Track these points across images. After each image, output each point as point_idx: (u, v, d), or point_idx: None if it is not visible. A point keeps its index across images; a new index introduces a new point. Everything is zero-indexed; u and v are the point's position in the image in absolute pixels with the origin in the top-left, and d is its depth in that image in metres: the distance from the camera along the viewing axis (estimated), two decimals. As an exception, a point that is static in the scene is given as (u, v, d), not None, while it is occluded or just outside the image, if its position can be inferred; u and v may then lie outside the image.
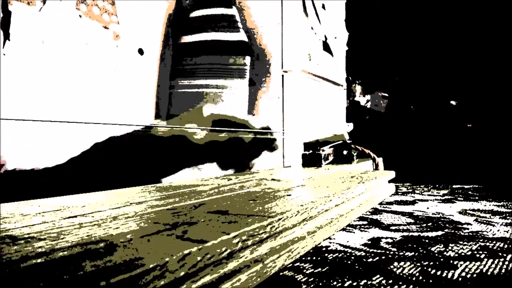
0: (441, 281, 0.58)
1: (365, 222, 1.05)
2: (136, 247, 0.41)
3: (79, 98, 1.61)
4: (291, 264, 0.62)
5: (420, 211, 1.25)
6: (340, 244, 0.79)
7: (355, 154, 1.82)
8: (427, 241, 0.84)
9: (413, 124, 3.84)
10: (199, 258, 0.41)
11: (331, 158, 1.73)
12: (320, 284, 0.55)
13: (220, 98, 2.19)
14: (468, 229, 0.98)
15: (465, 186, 1.89)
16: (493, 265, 0.66)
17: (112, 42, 1.77)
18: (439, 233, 0.93)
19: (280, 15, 2.65)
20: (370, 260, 0.68)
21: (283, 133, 2.53)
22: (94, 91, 1.68)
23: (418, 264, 0.66)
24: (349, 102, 4.06)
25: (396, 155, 3.17)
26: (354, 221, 1.03)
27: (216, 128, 1.10)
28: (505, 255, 0.73)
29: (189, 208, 0.64)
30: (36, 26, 1.47)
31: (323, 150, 1.64)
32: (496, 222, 1.05)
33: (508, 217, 1.13)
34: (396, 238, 0.87)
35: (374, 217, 1.14)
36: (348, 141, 1.84)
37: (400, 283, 0.57)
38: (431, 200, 1.47)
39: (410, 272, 0.62)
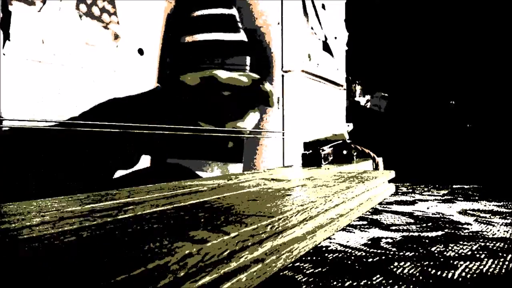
0: (441, 281, 0.58)
1: (365, 222, 1.05)
2: (136, 247, 0.41)
3: (78, 99, 1.61)
4: (291, 264, 0.62)
5: (420, 211, 1.25)
6: (340, 244, 0.79)
7: (355, 154, 1.82)
8: (427, 241, 0.84)
9: (413, 124, 3.83)
10: (199, 258, 0.41)
11: (331, 158, 1.73)
12: (320, 284, 0.55)
13: (220, 98, 2.19)
14: (468, 229, 0.98)
15: (465, 186, 1.89)
16: (493, 265, 0.66)
17: (112, 42, 1.77)
18: (439, 233, 0.93)
19: (280, 15, 2.65)
20: (370, 260, 0.68)
21: (283, 133, 2.53)
22: (94, 91, 1.68)
23: (418, 264, 0.66)
24: (349, 102, 4.06)
25: (396, 155, 3.18)
26: (354, 221, 1.03)
27: (216, 129, 1.10)
28: (505, 255, 0.73)
29: (189, 208, 0.64)
30: (36, 26, 1.47)
31: (323, 150, 1.64)
32: (496, 222, 1.05)
33: (508, 217, 1.13)
34: (396, 238, 0.87)
35: (374, 217, 1.14)
36: (348, 141, 1.84)
37: (400, 283, 0.57)
38: (431, 200, 1.47)
39: (410, 272, 0.62)
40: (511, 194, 1.56)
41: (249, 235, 0.49)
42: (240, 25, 2.40)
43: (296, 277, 0.57)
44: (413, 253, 0.72)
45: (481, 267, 0.65)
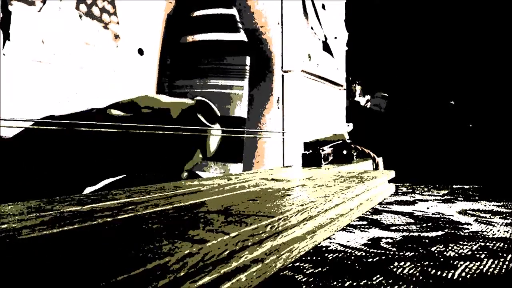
0: (441, 281, 0.58)
1: (365, 222, 1.05)
2: (136, 247, 0.41)
3: (78, 99, 1.61)
4: (291, 264, 0.62)
5: (420, 211, 1.25)
6: (340, 244, 0.79)
7: (355, 154, 1.82)
8: (427, 241, 0.84)
9: (413, 124, 3.83)
10: (199, 258, 0.41)
11: (331, 158, 1.73)
12: (320, 284, 0.55)
13: (220, 98, 2.19)
14: (468, 229, 0.98)
15: (465, 186, 1.89)
16: (493, 265, 0.66)
17: (112, 42, 1.77)
18: (439, 233, 0.93)
19: (280, 15, 2.65)
20: (370, 260, 0.68)
21: (283, 133, 2.53)
22: (94, 91, 1.68)
23: (418, 264, 0.66)
24: (349, 102, 4.06)
25: (396, 155, 3.17)
26: (354, 221, 1.03)
27: (216, 129, 1.10)
28: (505, 255, 0.73)
29: (189, 208, 0.64)
30: (36, 26, 1.47)
31: (323, 150, 1.65)
32: (496, 222, 1.05)
33: (508, 217, 1.13)
34: (396, 238, 0.87)
35: (374, 217, 1.14)
36: (348, 141, 1.84)
37: (400, 283, 0.57)
38: (431, 200, 1.47)
39: (410, 272, 0.62)
40: (511, 194, 1.56)
41: (249, 235, 0.49)
42: (240, 25, 2.40)
43: (296, 277, 0.57)
44: (413, 253, 0.72)
45: (481, 267, 0.65)
